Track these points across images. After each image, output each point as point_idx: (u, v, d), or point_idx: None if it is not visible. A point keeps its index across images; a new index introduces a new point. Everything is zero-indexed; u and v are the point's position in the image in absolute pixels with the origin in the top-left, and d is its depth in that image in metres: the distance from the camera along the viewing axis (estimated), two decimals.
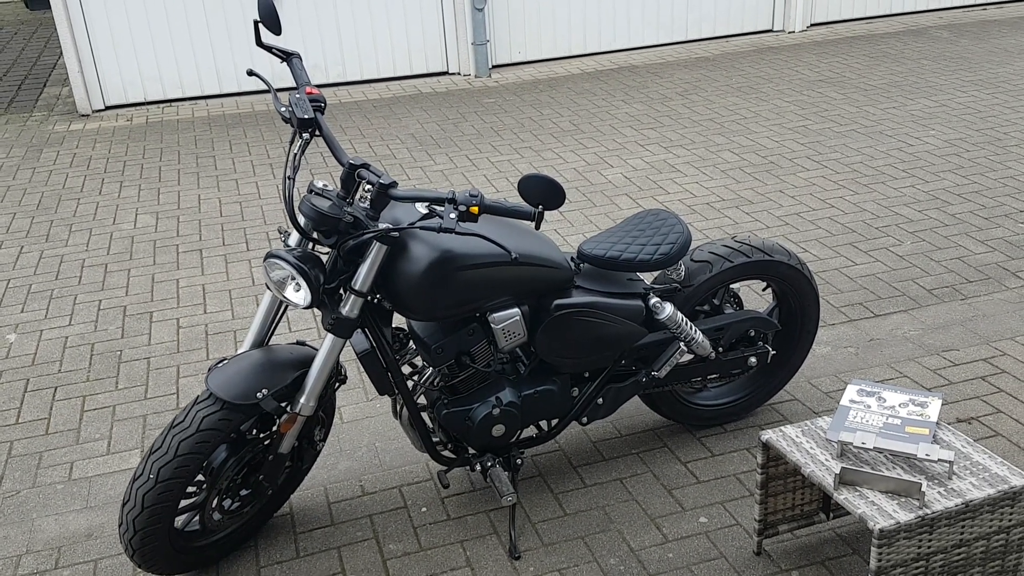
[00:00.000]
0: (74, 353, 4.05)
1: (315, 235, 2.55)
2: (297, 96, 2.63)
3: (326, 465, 3.25)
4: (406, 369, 3.92)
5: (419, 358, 2.97)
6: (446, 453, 2.95)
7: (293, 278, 2.51)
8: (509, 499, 2.77)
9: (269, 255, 2.50)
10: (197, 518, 2.74)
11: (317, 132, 2.61)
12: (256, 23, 2.66)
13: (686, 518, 2.93)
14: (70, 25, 7.29)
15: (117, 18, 7.40)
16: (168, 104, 7.72)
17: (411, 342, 2.81)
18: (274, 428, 2.70)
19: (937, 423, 2.57)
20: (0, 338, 4.21)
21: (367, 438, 3.38)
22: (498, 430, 2.82)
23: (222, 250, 4.98)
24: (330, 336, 2.59)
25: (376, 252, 2.50)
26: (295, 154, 2.51)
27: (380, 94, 7.78)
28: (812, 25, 9.13)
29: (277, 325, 2.76)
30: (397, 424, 3.44)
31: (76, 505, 3.12)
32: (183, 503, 2.66)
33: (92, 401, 3.70)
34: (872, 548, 2.27)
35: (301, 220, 2.55)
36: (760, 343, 3.23)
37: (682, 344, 3.02)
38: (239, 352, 2.68)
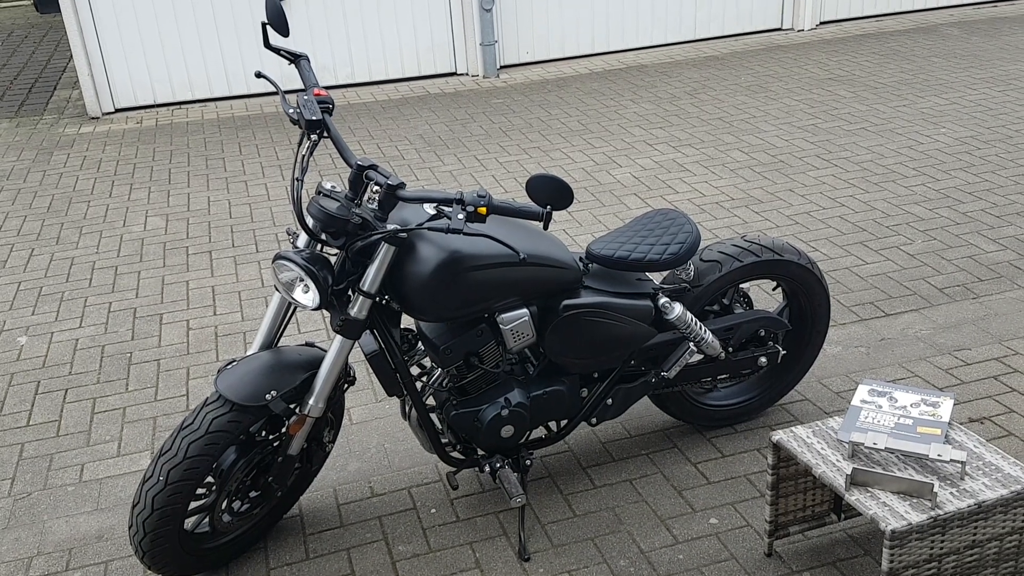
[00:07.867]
0: (84, 355, 4.06)
1: (323, 236, 2.55)
2: (305, 98, 2.62)
3: (335, 466, 3.25)
4: (415, 370, 3.91)
5: (428, 359, 2.97)
6: (455, 454, 2.94)
7: (301, 279, 2.51)
8: (518, 500, 2.76)
9: (278, 256, 2.50)
10: (207, 520, 2.74)
11: (325, 134, 2.61)
12: (264, 25, 2.66)
13: (696, 519, 2.92)
14: (80, 28, 7.32)
15: (127, 21, 7.42)
16: (177, 106, 7.74)
17: (419, 343, 2.81)
18: (283, 430, 2.70)
19: (949, 423, 2.56)
20: (11, 341, 4.23)
21: (376, 439, 3.38)
22: (507, 431, 2.81)
23: (231, 252, 4.99)
24: (339, 337, 2.58)
25: (384, 253, 2.50)
26: (303, 156, 2.51)
27: (388, 95, 7.78)
28: (821, 23, 9.10)
29: (286, 327, 2.76)
30: (406, 425, 3.44)
31: (87, 507, 3.13)
32: (193, 505, 2.67)
33: (102, 403, 3.71)
34: (884, 549, 2.25)
35: (309, 221, 2.55)
36: (770, 343, 3.22)
37: (692, 344, 3.00)
38: (248, 354, 2.68)
